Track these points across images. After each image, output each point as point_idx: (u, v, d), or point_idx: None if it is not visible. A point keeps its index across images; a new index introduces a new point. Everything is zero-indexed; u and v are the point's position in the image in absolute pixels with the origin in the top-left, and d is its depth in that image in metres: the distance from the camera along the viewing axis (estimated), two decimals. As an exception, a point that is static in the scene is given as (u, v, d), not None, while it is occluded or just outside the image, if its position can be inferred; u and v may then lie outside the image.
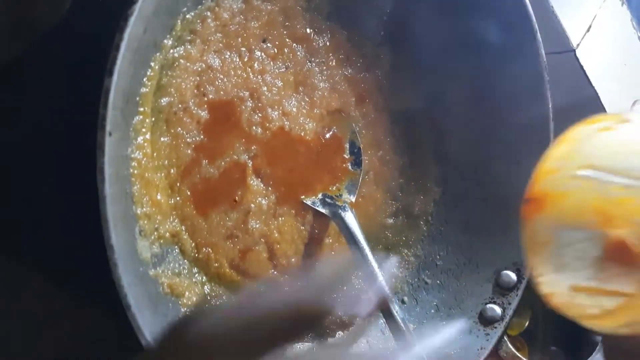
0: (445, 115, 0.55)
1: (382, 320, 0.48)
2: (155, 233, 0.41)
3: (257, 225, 0.48)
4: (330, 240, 0.52)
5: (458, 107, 0.55)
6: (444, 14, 0.54)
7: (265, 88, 0.49)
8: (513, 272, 0.50)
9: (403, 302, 0.53)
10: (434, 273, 0.54)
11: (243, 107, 0.48)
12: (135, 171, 0.40)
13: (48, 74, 0.45)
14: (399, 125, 0.56)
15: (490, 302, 0.50)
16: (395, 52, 0.55)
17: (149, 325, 0.35)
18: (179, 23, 0.43)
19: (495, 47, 0.52)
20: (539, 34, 0.49)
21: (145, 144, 0.41)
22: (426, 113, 0.56)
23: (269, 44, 0.50)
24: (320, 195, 0.50)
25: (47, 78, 0.45)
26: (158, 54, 0.41)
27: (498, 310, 0.50)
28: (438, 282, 0.53)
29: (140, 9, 0.34)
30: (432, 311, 0.52)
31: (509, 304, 0.50)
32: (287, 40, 0.51)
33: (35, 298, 0.44)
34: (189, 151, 0.45)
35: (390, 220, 0.56)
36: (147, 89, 0.41)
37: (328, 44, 0.53)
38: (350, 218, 0.48)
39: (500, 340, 0.52)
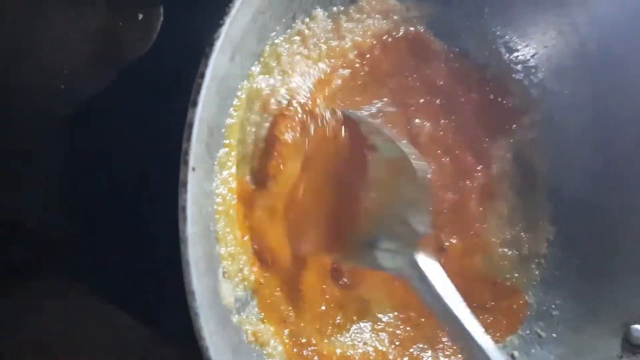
0: (561, 145, 0.50)
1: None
2: (240, 275, 0.38)
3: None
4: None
5: (576, 136, 0.49)
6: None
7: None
8: (646, 326, 0.43)
9: (513, 357, 0.47)
10: (548, 324, 0.48)
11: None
12: (220, 207, 0.37)
13: (133, 104, 0.44)
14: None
15: (619, 362, 0.44)
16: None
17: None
18: (268, 49, 0.41)
19: (617, 68, 0.46)
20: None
21: (230, 179, 0.38)
22: (539, 142, 0.51)
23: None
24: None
25: (131, 109, 0.44)
26: (245, 82, 0.39)
27: (630, 372, 0.43)
28: (554, 336, 0.47)
29: (227, 33, 0.32)
30: (548, 370, 0.46)
31: (643, 364, 0.43)
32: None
33: (117, 336, 0.43)
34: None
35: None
36: (234, 120, 0.38)
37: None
38: (429, 267, 0.36)
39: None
